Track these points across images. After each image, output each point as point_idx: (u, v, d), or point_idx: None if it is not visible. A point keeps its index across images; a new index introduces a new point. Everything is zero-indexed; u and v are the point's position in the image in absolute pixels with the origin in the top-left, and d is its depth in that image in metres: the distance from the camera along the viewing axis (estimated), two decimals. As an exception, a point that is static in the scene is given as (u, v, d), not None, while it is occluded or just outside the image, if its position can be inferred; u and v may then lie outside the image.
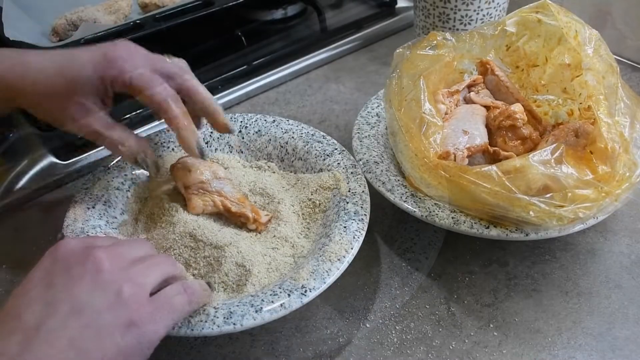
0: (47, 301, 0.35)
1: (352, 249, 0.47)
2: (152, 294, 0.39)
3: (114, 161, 0.57)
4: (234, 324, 0.41)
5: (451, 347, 0.47)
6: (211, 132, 0.60)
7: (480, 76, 0.62)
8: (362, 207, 0.51)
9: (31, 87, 0.47)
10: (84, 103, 0.48)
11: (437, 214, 0.50)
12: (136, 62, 0.48)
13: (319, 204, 0.53)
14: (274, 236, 0.51)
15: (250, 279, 0.46)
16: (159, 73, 0.49)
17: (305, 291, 0.43)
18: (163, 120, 0.50)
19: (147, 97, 0.48)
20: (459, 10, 0.73)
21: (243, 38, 0.78)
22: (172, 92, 0.49)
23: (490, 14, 0.74)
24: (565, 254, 0.55)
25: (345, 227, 0.49)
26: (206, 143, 0.60)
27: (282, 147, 0.60)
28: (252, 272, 0.46)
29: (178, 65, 0.51)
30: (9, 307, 0.36)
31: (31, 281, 0.37)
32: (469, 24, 0.74)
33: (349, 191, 0.52)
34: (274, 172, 0.59)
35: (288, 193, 0.55)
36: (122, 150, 0.50)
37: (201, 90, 0.51)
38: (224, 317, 0.41)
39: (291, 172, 0.59)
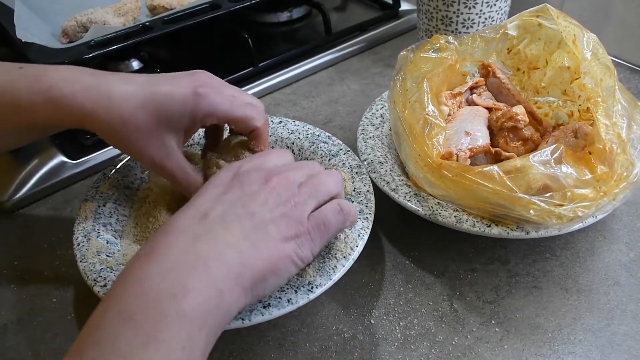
0: (225, 201, 0.40)
1: (357, 246, 0.48)
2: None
3: (124, 160, 0.58)
4: (242, 319, 0.42)
5: (454, 343, 0.48)
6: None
7: (482, 78, 0.63)
8: (367, 206, 0.52)
9: (112, 120, 0.45)
10: (166, 144, 0.47)
11: (440, 213, 0.52)
12: (225, 93, 0.48)
13: None
14: None
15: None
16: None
17: (312, 287, 0.44)
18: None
19: (244, 124, 0.49)
20: (462, 13, 0.74)
21: (249, 40, 0.79)
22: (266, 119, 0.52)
23: (492, 18, 0.75)
24: (565, 252, 0.56)
25: (350, 225, 0.50)
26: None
27: (288, 147, 0.61)
28: None
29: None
30: (190, 203, 0.40)
31: (212, 185, 0.42)
32: (471, 27, 0.76)
33: (354, 190, 0.54)
34: None
35: None
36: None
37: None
38: (234, 312, 0.43)
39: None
